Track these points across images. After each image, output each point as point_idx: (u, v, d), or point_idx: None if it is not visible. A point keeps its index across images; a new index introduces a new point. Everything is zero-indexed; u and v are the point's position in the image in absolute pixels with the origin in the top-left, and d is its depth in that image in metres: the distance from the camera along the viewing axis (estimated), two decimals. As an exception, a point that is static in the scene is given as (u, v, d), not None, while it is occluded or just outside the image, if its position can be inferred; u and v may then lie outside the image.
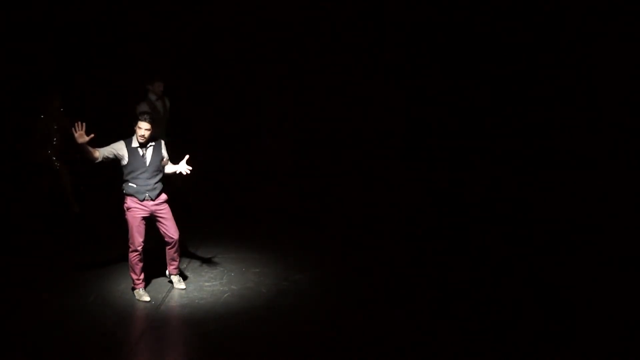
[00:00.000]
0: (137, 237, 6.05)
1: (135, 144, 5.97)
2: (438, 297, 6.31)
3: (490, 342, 5.42)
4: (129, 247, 6.10)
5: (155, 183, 6.08)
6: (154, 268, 6.58)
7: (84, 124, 5.63)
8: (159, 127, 7.66)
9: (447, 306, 6.11)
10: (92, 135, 5.66)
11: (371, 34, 9.79)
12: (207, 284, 6.64)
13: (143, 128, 5.87)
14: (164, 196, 6.18)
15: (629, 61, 8.81)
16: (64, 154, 8.33)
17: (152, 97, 8.16)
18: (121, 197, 6.10)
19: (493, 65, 9.47)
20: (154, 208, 6.09)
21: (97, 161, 5.86)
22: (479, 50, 9.48)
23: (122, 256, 6.49)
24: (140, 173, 5.98)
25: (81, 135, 5.63)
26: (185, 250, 7.33)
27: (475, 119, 9.78)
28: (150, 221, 6.17)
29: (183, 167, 6.24)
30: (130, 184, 6.00)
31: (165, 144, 6.85)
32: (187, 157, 6.28)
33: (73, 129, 5.61)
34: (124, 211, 6.09)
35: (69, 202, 8.66)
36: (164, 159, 6.17)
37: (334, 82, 9.95)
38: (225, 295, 6.35)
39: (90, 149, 5.75)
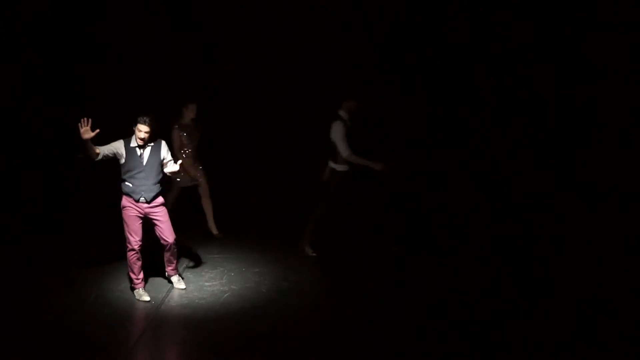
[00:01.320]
0: (133, 236, 6.05)
1: (134, 143, 5.97)
2: (438, 297, 6.31)
3: (491, 342, 5.41)
4: (127, 247, 6.10)
5: (153, 184, 6.06)
6: (154, 268, 6.58)
7: (89, 120, 5.63)
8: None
9: (448, 306, 6.11)
10: (97, 131, 5.67)
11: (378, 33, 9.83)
12: (207, 284, 6.64)
13: (143, 131, 5.88)
14: (160, 199, 6.16)
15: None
16: (196, 165, 7.80)
17: (345, 115, 7.34)
18: (119, 195, 6.10)
19: (500, 63, 9.51)
20: (148, 210, 6.08)
21: (97, 159, 5.88)
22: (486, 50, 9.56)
23: (122, 256, 6.49)
24: (137, 173, 5.98)
25: (86, 131, 5.64)
26: (185, 250, 7.34)
27: (476, 119, 9.78)
28: (148, 221, 6.16)
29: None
30: (126, 183, 6.01)
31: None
32: (180, 161, 6.29)
33: (79, 124, 5.62)
34: (120, 210, 6.11)
35: (209, 224, 8.11)
36: (164, 160, 6.16)
37: (335, 79, 9.95)
38: (225, 295, 6.35)
39: (93, 146, 5.76)
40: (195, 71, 9.98)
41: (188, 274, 6.87)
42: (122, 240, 6.20)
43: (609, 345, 5.34)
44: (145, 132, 5.88)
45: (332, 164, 7.33)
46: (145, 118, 5.88)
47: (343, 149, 7.18)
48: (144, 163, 6.01)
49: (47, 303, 6.10)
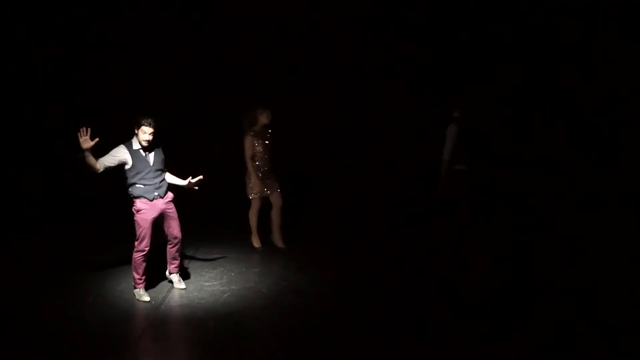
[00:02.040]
0: (146, 239, 6.07)
1: (136, 146, 5.97)
2: (438, 296, 6.31)
3: (492, 341, 5.41)
4: (134, 247, 6.10)
5: (161, 181, 6.12)
6: (154, 268, 6.57)
7: (89, 129, 5.63)
8: (458, 151, 7.85)
9: (447, 305, 6.10)
10: (97, 140, 5.66)
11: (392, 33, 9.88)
12: (207, 284, 6.64)
13: (147, 132, 5.88)
14: (170, 194, 6.22)
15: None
16: (266, 179, 7.43)
17: (459, 117, 7.94)
18: (128, 200, 6.08)
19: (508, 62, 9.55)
20: (163, 207, 6.12)
21: (100, 171, 5.84)
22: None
23: (122, 256, 6.50)
24: (147, 173, 6.00)
25: (86, 141, 5.63)
26: (185, 250, 7.34)
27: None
28: (156, 221, 6.16)
29: (187, 184, 6.26)
30: (137, 186, 6.00)
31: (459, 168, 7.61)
32: (189, 178, 6.29)
33: (78, 134, 5.61)
34: (133, 214, 6.08)
35: (274, 236, 7.72)
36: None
37: (338, 79, 9.98)
38: (225, 295, 6.35)
39: (93, 159, 5.73)
40: (196, 71, 10.00)
41: (188, 274, 6.88)
42: (123, 240, 6.20)
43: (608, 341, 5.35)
44: (150, 134, 5.89)
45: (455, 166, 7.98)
46: (149, 120, 5.88)
47: (446, 151, 7.85)
48: (151, 162, 6.03)
49: (47, 303, 6.10)
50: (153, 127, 5.89)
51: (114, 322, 5.71)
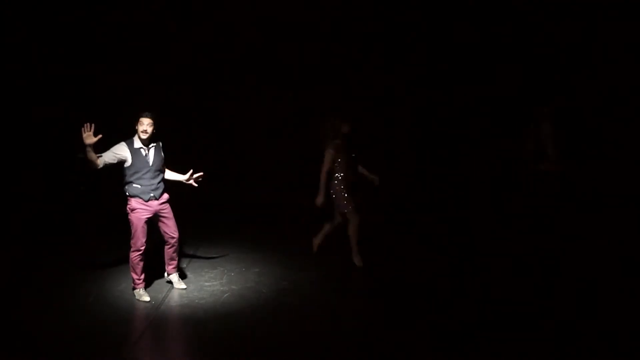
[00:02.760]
0: (141, 238, 6.06)
1: (137, 144, 5.97)
2: (438, 296, 6.31)
3: (493, 340, 5.41)
4: (131, 247, 6.10)
5: (159, 182, 6.10)
6: (154, 268, 6.59)
7: (92, 124, 5.63)
8: (549, 149, 7.71)
9: (447, 304, 6.10)
10: (100, 136, 5.66)
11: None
12: (207, 284, 6.64)
13: (145, 123, 5.89)
14: (166, 195, 6.20)
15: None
16: (350, 192, 6.97)
17: (551, 114, 7.86)
18: (124, 198, 6.09)
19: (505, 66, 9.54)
20: (158, 208, 6.10)
21: (100, 167, 5.85)
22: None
23: (122, 256, 6.49)
24: (144, 173, 5.99)
25: (89, 136, 5.64)
26: (185, 250, 7.35)
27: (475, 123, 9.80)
28: (151, 221, 6.17)
29: (187, 179, 6.28)
30: (134, 185, 6.00)
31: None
32: (190, 171, 6.29)
33: (82, 129, 5.62)
34: (127, 213, 6.09)
35: (353, 256, 7.13)
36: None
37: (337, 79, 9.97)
38: (225, 295, 6.35)
39: (94, 155, 5.74)
40: (196, 71, 9.99)
41: (188, 273, 6.88)
42: (123, 241, 6.20)
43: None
44: (148, 124, 5.89)
45: (540, 166, 7.79)
46: (147, 112, 5.92)
47: (553, 151, 7.64)
48: (150, 163, 6.02)
49: (47, 303, 6.10)
50: (151, 118, 5.90)
51: (114, 322, 5.72)
